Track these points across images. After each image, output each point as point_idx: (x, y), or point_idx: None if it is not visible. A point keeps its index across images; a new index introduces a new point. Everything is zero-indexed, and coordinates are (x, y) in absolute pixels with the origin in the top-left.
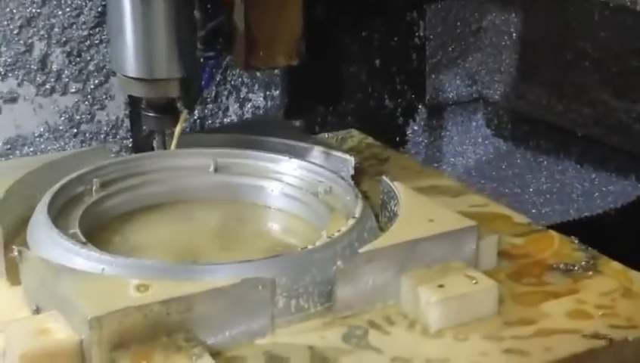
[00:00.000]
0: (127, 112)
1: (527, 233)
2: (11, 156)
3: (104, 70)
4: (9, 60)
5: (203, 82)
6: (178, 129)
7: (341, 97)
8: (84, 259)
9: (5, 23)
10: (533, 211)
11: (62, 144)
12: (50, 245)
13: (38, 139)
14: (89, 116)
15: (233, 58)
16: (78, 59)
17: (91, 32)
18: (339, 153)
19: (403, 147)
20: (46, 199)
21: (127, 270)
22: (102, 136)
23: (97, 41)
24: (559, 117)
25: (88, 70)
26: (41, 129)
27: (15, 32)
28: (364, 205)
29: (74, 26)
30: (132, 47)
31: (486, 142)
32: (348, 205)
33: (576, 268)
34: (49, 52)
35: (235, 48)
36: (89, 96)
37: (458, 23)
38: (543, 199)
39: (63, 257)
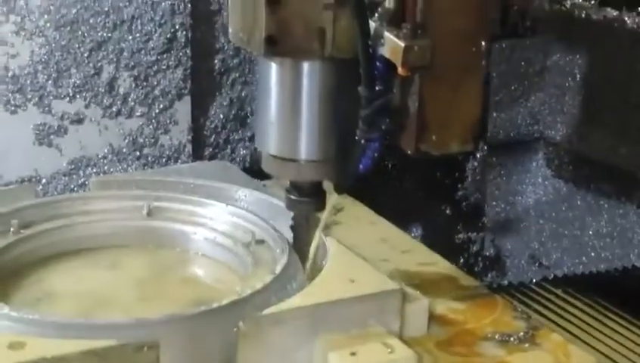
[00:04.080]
0: (190, 137)
1: (470, 297)
2: (75, 176)
3: (169, 95)
4: (78, 81)
5: (360, 166)
6: (325, 215)
7: None
8: None
9: (77, 45)
10: (592, 254)
11: (125, 166)
12: None
13: (102, 161)
14: (153, 140)
15: (402, 142)
16: (145, 83)
17: (159, 57)
18: (280, 202)
19: (462, 183)
20: None
21: (11, 323)
22: (164, 160)
23: (164, 67)
24: (621, 160)
25: (154, 95)
26: (105, 151)
27: (85, 55)
28: (289, 261)
29: (143, 51)
30: (276, 122)
31: (546, 183)
32: (277, 259)
33: (512, 339)
34: (117, 75)
35: (406, 130)
36: (154, 120)
37: (522, 63)
38: (603, 243)
39: None
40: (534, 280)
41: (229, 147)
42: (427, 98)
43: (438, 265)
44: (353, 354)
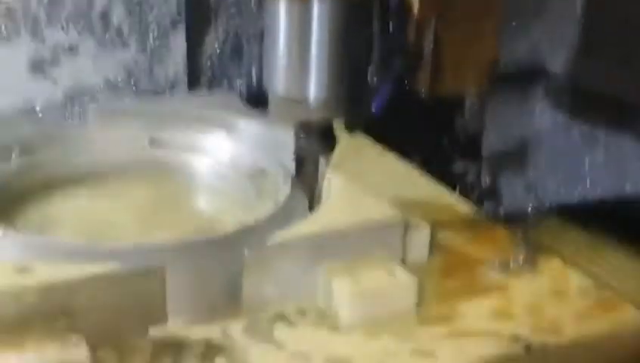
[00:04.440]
0: (185, 69)
1: (471, 225)
2: (69, 107)
3: (164, 25)
4: (71, 11)
5: (373, 107)
6: (335, 156)
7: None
8: None
9: None
10: (588, 184)
11: (119, 96)
12: None
13: (96, 91)
14: (148, 71)
15: (416, 83)
16: (138, 13)
17: None
18: (282, 133)
19: (460, 113)
20: None
21: (17, 248)
22: (159, 91)
23: None
24: (621, 91)
25: (148, 25)
26: (100, 81)
27: None
28: (292, 191)
29: None
30: (284, 61)
31: (544, 113)
32: (280, 189)
33: (512, 264)
34: (111, 5)
35: (420, 71)
36: (148, 51)
37: None
38: (599, 173)
39: None
40: (529, 210)
41: (225, 78)
42: (443, 39)
43: (439, 194)
44: (356, 281)
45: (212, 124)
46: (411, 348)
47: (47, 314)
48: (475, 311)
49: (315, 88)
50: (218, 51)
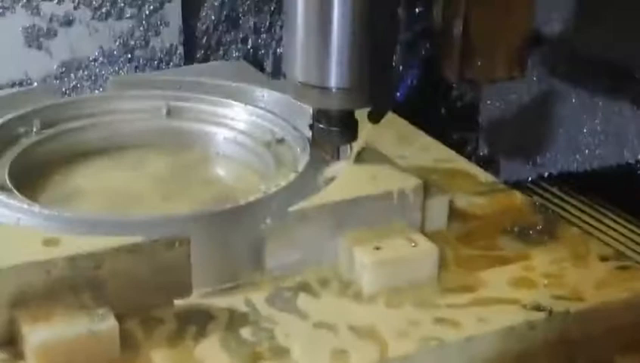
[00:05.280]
0: (181, 39)
1: (489, 192)
2: (66, 80)
3: None
4: None
5: (398, 94)
6: (359, 144)
7: None
8: (1, 207)
9: None
10: (586, 152)
11: (116, 68)
12: None
13: (92, 63)
14: (144, 42)
15: (444, 68)
16: None
17: None
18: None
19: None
20: None
21: (42, 221)
22: (156, 63)
23: None
24: (617, 57)
25: None
26: (96, 53)
27: None
28: (311, 159)
29: None
30: (305, 47)
31: (541, 80)
32: (298, 157)
33: (531, 232)
34: None
35: (450, 55)
36: (144, 22)
37: None
38: (597, 140)
39: None
40: (530, 179)
41: (221, 48)
42: (473, 21)
43: (455, 161)
44: (378, 248)
45: (229, 93)
46: (433, 317)
47: (74, 286)
48: (496, 280)
49: (336, 76)
50: (214, 20)
